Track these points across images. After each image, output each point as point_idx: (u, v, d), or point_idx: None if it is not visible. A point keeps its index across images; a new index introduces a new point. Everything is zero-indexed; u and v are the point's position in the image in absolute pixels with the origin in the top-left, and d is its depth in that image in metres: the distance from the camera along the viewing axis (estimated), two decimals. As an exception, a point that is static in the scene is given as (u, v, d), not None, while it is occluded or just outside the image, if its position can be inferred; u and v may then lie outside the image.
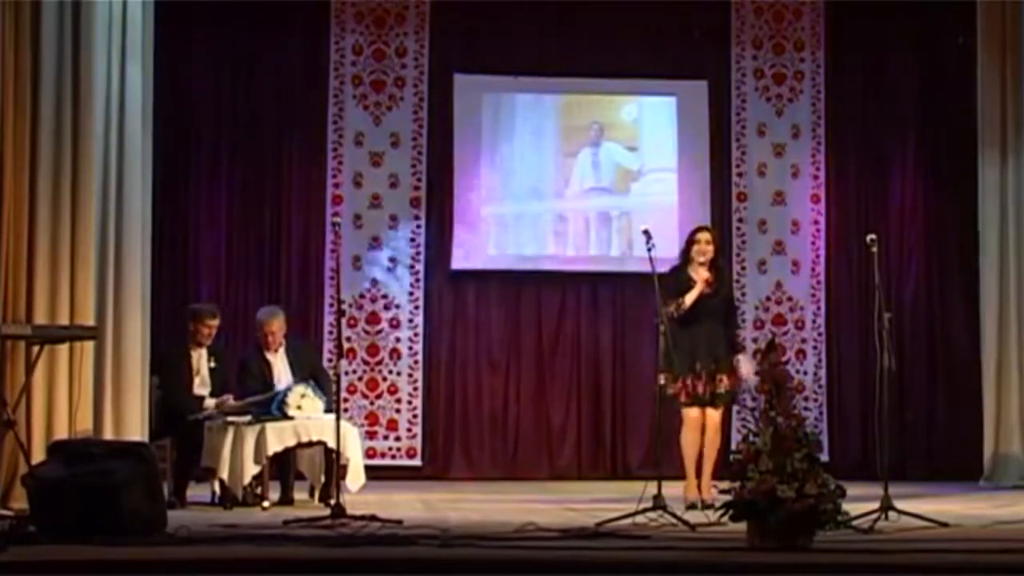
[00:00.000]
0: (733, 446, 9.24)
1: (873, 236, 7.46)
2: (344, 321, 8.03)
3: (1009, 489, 9.50)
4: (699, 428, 7.81)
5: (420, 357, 10.78)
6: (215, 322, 8.41)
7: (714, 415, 7.85)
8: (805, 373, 10.89)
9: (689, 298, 7.77)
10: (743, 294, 10.76)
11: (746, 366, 7.76)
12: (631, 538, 5.94)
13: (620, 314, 10.97)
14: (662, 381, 7.43)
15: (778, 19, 11.19)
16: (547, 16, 10.91)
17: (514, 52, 11.00)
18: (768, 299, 11.04)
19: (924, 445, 10.88)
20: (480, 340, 10.93)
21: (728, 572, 5.10)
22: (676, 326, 7.65)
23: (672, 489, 7.10)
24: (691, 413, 7.80)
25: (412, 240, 10.84)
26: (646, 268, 7.29)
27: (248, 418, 7.95)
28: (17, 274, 7.52)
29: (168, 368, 8.37)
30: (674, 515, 6.57)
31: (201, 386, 8.36)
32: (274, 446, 7.84)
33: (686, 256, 7.99)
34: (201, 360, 8.38)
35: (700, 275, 7.88)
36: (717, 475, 7.56)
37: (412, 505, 8.10)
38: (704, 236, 8.02)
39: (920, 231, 11.14)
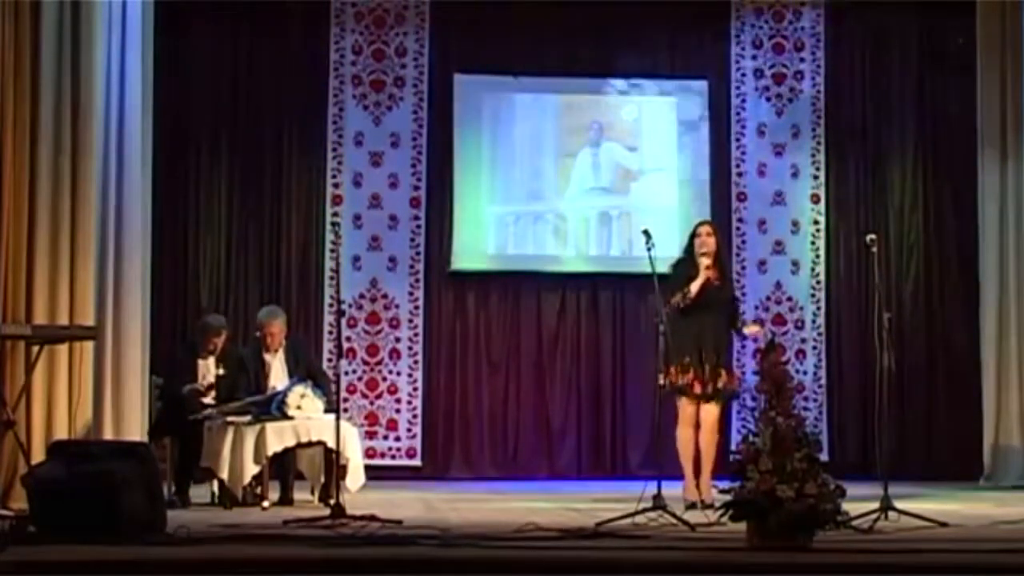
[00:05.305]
0: (733, 446, 9.24)
1: (873, 236, 7.46)
2: (344, 321, 8.02)
3: (1009, 489, 9.51)
4: (694, 424, 7.75)
5: (420, 357, 10.78)
6: (220, 339, 8.44)
7: (712, 411, 7.80)
8: (805, 373, 10.87)
9: (695, 286, 7.74)
10: (743, 294, 10.74)
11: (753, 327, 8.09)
12: (631, 538, 5.93)
13: (620, 314, 10.96)
14: (662, 381, 7.42)
15: (778, 19, 11.19)
16: (547, 16, 10.89)
17: (514, 52, 10.99)
18: (768, 299, 11.04)
19: (924, 444, 10.88)
20: (480, 340, 10.92)
21: (728, 572, 5.10)
22: (680, 316, 7.62)
23: (672, 489, 7.10)
24: (687, 409, 7.75)
25: (412, 240, 10.84)
26: (646, 268, 7.28)
27: (248, 418, 7.95)
28: (17, 274, 7.51)
29: (172, 370, 8.41)
30: (674, 515, 6.56)
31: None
32: (274, 446, 7.84)
33: (689, 252, 7.98)
34: (208, 367, 8.38)
35: (704, 266, 7.88)
36: (716, 474, 7.55)
37: (412, 505, 8.09)
38: (705, 228, 8.02)
39: (920, 231, 11.13)
